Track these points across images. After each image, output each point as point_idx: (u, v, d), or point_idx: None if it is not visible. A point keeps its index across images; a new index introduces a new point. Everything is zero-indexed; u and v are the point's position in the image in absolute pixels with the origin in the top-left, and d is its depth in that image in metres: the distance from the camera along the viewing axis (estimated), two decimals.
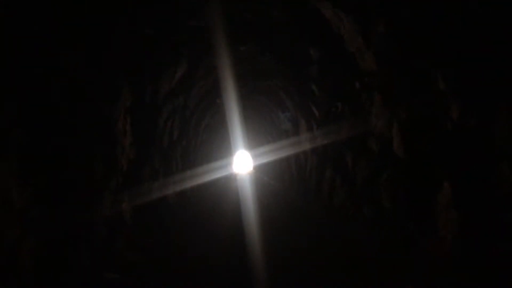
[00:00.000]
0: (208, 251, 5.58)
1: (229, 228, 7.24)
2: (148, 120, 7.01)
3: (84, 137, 4.63)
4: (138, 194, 6.30)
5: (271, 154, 17.16)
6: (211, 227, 7.42)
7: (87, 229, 4.67)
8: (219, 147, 19.46)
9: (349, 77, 5.88)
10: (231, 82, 10.73)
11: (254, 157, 24.34)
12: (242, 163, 27.97)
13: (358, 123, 5.86)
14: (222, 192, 14.83)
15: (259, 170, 24.48)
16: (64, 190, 4.18)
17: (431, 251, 3.87)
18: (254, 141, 22.12)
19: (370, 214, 5.52)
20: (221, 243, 6.10)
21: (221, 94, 11.49)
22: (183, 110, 9.42)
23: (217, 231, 7.02)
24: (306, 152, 10.27)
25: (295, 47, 7.10)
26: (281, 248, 5.54)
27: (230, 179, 22.20)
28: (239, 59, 8.99)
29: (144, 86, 6.54)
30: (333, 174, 7.70)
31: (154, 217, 7.17)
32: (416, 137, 4.25)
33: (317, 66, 7.05)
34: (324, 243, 5.75)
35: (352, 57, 5.37)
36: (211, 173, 15.39)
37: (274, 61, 8.72)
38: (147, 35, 6.05)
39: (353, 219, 6.23)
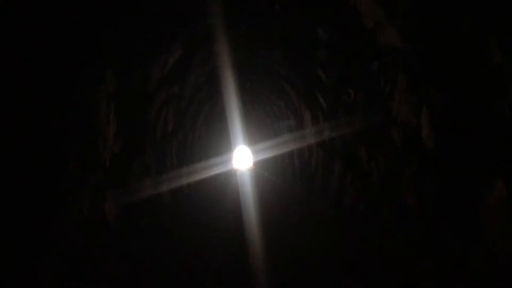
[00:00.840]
0: (206, 258, 4.82)
1: (229, 230, 6.49)
2: (137, 110, 6.23)
3: (55, 125, 3.86)
4: (125, 192, 5.53)
5: (272, 149, 16.39)
6: (209, 228, 6.67)
7: (59, 234, 3.91)
8: (218, 142, 18.69)
9: (365, 57, 5.10)
10: (230, 70, 9.96)
11: (255, 152, 23.58)
12: (242, 158, 27.22)
13: (376, 111, 5.08)
14: (222, 189, 14.07)
15: (260, 166, 23.72)
16: (26, 189, 3.42)
17: (476, 266, 3.10)
18: (255, 135, 21.34)
19: (390, 216, 4.76)
20: (220, 248, 5.34)
21: (220, 83, 10.72)
22: (178, 100, 8.63)
23: (216, 233, 6.26)
24: (311, 147, 9.50)
25: (301, 27, 6.30)
26: (286, 252, 4.78)
27: (230, 175, 21.44)
28: (238, 44, 8.20)
29: (131, 70, 5.76)
30: (342, 170, 6.93)
31: (146, 218, 6.41)
32: (454, 125, 3.47)
33: (326, 48, 6.26)
34: (334, 247, 4.99)
35: (370, 33, 4.58)
36: (210, 169, 14.62)
37: (276, 46, 7.93)
38: (137, 9, 5.26)
39: (368, 220, 5.46)
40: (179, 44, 7.04)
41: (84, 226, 4.36)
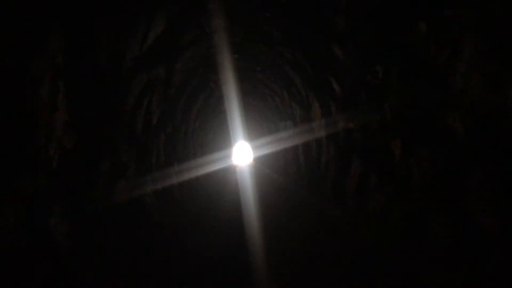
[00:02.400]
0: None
1: (226, 239, 5.13)
2: (106, 94, 4.84)
3: None
4: (84, 201, 4.15)
5: (274, 144, 15.01)
6: (201, 241, 5.30)
7: None
8: (216, 137, 17.29)
9: (403, 19, 3.70)
10: (227, 54, 8.56)
11: (255, 148, 22.19)
12: (242, 154, 25.89)
13: (420, 90, 3.70)
14: (220, 187, 12.69)
15: (260, 162, 22.34)
16: None
17: None
18: (255, 130, 19.95)
19: (445, 237, 3.38)
20: (214, 267, 3.98)
21: (216, 70, 9.32)
22: (165, 87, 7.23)
23: (209, 247, 4.89)
24: (320, 140, 8.11)
25: None
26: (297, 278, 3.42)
27: (228, 172, 20.08)
28: (235, 18, 6.80)
29: (95, 41, 4.36)
30: (363, 169, 5.55)
31: (117, 232, 5.04)
32: None
33: (345, 15, 4.86)
34: (358, 273, 3.63)
35: None
36: (206, 167, 13.26)
37: (279, 19, 6.52)
38: None
39: (406, 236, 4.09)
40: (163, 14, 5.65)
41: (11, 251, 2.99)
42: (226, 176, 17.97)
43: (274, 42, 7.73)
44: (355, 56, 5.13)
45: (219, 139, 18.51)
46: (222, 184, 13.83)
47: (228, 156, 21.73)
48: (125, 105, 5.60)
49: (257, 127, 19.12)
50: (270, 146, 16.26)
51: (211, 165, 14.81)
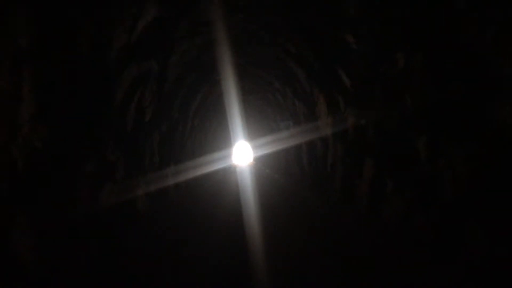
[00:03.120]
0: None
1: (225, 247, 4.53)
2: (90, 86, 4.24)
3: None
4: (59, 209, 3.55)
5: (275, 143, 14.42)
6: (197, 249, 4.70)
7: None
8: (215, 136, 16.69)
9: None
10: (227, 47, 7.96)
11: (255, 147, 21.59)
12: (242, 154, 25.32)
13: (454, 80, 3.09)
14: (219, 188, 12.09)
15: (261, 162, 21.75)
16: None
17: None
18: (256, 129, 19.36)
19: (484, 253, 2.78)
20: (210, 282, 3.38)
21: (215, 65, 8.72)
22: (159, 81, 6.63)
23: (205, 258, 4.29)
24: (326, 139, 7.51)
25: None
26: None
27: (228, 172, 19.48)
28: (235, 6, 6.20)
29: (73, 24, 3.76)
30: (377, 170, 4.95)
31: (101, 243, 4.44)
32: None
33: None
34: None
35: None
36: (204, 167, 12.66)
37: (282, 7, 5.92)
38: None
39: (431, 247, 3.49)
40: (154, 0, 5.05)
41: None
42: (226, 176, 17.38)
43: (277, 33, 7.13)
44: (370, 43, 4.53)
45: (219, 139, 17.92)
46: (222, 185, 13.23)
47: (228, 156, 21.15)
48: (112, 99, 5.00)
49: (257, 126, 18.53)
50: (271, 145, 15.67)
51: (210, 165, 14.22)
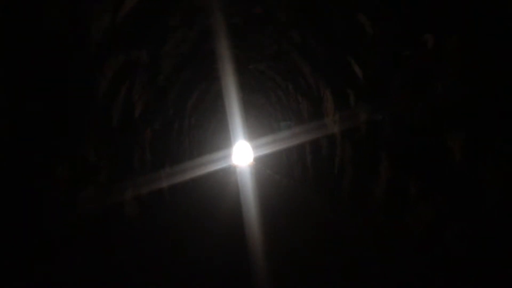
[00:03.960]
0: None
1: (222, 260, 3.90)
2: (64, 73, 3.60)
3: None
4: (17, 221, 2.90)
5: (276, 143, 13.78)
6: (190, 261, 4.07)
7: None
8: (215, 135, 16.05)
9: None
10: (226, 39, 7.32)
11: (256, 147, 20.95)
12: (242, 154, 24.70)
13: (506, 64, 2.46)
14: (218, 190, 11.45)
15: (261, 162, 21.12)
16: None
17: None
18: (256, 128, 18.73)
19: None
20: None
21: (214, 57, 8.08)
22: (150, 73, 5.99)
23: (199, 273, 3.66)
24: (333, 137, 6.87)
25: None
26: None
27: (228, 173, 18.85)
28: None
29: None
30: (396, 171, 4.31)
31: (78, 258, 3.80)
32: None
33: None
34: None
35: None
36: (203, 167, 12.03)
37: None
38: None
39: (473, 264, 2.86)
40: None
41: None
42: (226, 177, 16.74)
43: (278, 21, 6.49)
44: (390, 24, 3.89)
45: (218, 138, 17.28)
46: (221, 186, 12.59)
47: (228, 156, 20.52)
48: (93, 90, 4.36)
49: (258, 125, 17.89)
50: (272, 145, 15.03)
51: (209, 166, 13.59)
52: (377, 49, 4.32)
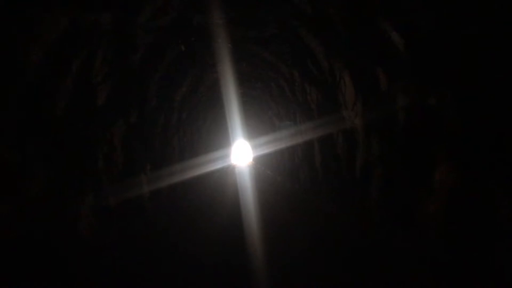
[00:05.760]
0: None
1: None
2: None
3: None
4: None
5: (279, 141, 12.37)
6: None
7: None
8: (209, 133, 14.60)
9: None
10: (219, 11, 5.90)
11: (255, 146, 19.53)
12: (240, 153, 23.33)
13: None
14: (214, 194, 10.01)
15: (261, 162, 19.69)
16: None
17: None
18: (256, 126, 17.31)
19: None
20: None
21: (204, 40, 6.62)
22: (119, 46, 4.55)
23: None
24: (353, 132, 5.44)
25: None
26: None
27: (226, 174, 17.42)
28: None
29: None
30: (463, 177, 2.89)
31: None
32: None
33: None
34: None
35: None
36: (196, 169, 10.61)
37: None
38: None
39: None
40: None
41: None
42: (223, 178, 15.29)
43: None
44: None
45: (214, 136, 15.85)
46: (218, 189, 11.15)
47: (225, 156, 19.11)
48: (16, 62, 2.93)
49: (257, 123, 16.46)
50: (273, 144, 13.62)
51: (204, 167, 12.17)
52: (428, 4, 2.89)
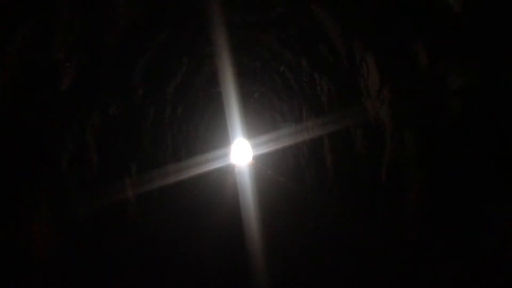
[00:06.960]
0: None
1: None
2: None
3: None
4: None
5: (281, 140, 11.44)
6: None
7: None
8: (208, 130, 13.66)
9: None
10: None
11: (255, 145, 18.58)
12: (240, 153, 22.40)
13: None
14: (212, 196, 9.05)
15: (261, 162, 18.75)
16: None
17: None
18: (256, 124, 16.37)
19: None
20: None
21: (199, 16, 5.66)
22: (91, 19, 3.61)
23: None
24: (377, 126, 4.49)
25: None
26: None
27: (225, 174, 16.48)
28: None
29: None
30: None
31: None
32: None
33: None
34: None
35: None
36: (191, 170, 9.69)
37: None
38: None
39: None
40: None
41: None
42: (222, 178, 14.34)
43: None
44: None
45: (213, 134, 14.90)
46: (217, 190, 10.20)
47: (224, 156, 18.18)
48: None
49: (258, 121, 15.52)
50: (275, 142, 12.68)
51: (201, 167, 11.24)
52: None
